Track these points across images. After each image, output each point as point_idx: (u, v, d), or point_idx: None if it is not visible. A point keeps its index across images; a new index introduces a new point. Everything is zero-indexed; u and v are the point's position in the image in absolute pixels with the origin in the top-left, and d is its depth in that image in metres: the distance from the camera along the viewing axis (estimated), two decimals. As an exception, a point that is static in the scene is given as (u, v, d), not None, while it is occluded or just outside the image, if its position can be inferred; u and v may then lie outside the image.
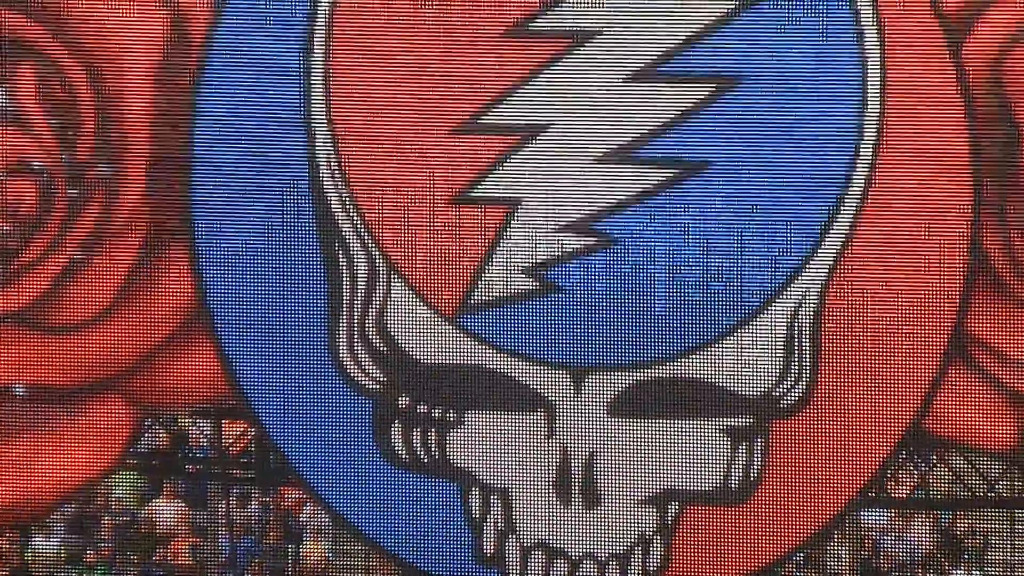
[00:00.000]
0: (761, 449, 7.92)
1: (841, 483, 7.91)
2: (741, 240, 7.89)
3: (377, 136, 7.98)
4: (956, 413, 7.84)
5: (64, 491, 8.18)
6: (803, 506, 7.94)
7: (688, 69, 7.82)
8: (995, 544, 7.92)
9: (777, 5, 7.84)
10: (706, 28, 7.84)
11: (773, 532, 7.98)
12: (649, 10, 7.85)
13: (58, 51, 8.01)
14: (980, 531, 7.91)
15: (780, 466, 7.95)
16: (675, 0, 7.89)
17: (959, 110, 7.74)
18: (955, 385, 7.81)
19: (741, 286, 7.93)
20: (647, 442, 7.96)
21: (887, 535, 7.96)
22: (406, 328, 7.96)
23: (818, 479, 7.94)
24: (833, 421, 7.91)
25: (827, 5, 7.81)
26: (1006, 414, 7.81)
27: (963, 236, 7.75)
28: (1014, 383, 7.75)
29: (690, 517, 7.95)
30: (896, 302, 7.85)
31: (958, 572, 7.82)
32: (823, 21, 7.81)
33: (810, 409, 7.89)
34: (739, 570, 7.99)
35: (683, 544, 7.96)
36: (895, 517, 8.01)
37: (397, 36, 7.98)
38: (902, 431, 7.83)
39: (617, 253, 7.93)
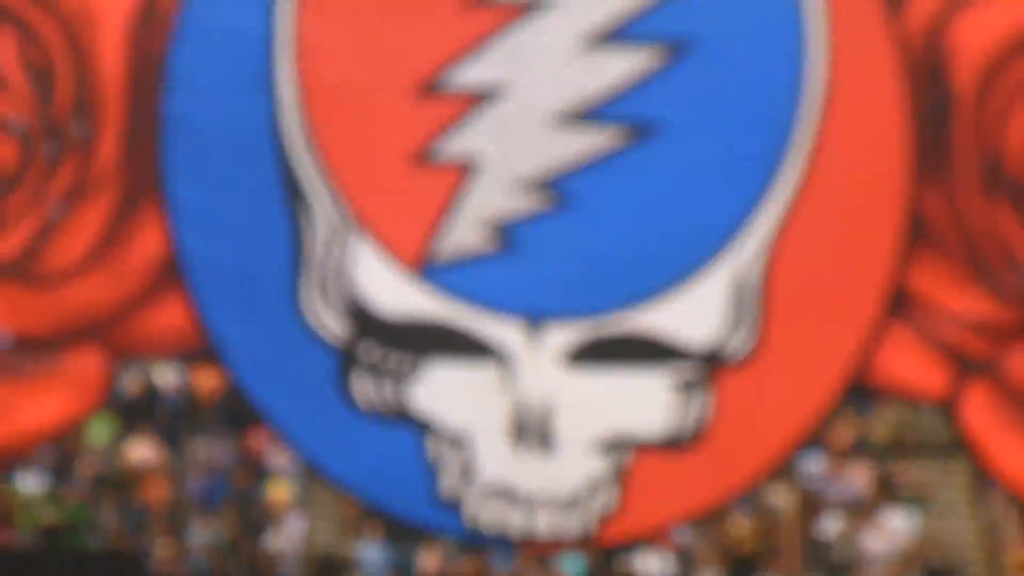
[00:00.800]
0: (709, 399, 7.98)
1: (785, 431, 7.98)
2: (691, 199, 7.92)
3: (340, 96, 8.01)
4: (895, 364, 7.92)
5: (45, 433, 8.26)
6: (749, 453, 8.01)
7: (640, 36, 7.86)
8: (933, 491, 8.14)
9: (728, 17, 7.88)
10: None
11: (720, 477, 8.03)
12: None
13: (38, 17, 8.03)
14: (916, 476, 8.08)
15: (727, 415, 8.00)
16: None
17: (896, 78, 7.82)
18: (893, 339, 7.88)
19: (691, 244, 7.96)
20: (601, 391, 8.01)
21: (825, 480, 8.10)
22: (369, 283, 8.01)
23: (763, 427, 8.00)
24: (778, 373, 7.96)
25: None
26: (940, 366, 7.88)
27: (900, 196, 7.82)
28: (947, 336, 7.84)
29: (641, 463, 8.00)
30: (838, 261, 7.92)
31: (894, 515, 7.97)
32: (770, 14, 7.86)
33: (756, 362, 7.95)
34: (688, 513, 8.07)
35: (635, 488, 8.01)
36: (832, 463, 8.16)
37: (361, 2, 8.03)
38: (843, 382, 7.91)
39: (570, 209, 7.96)
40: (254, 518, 8.37)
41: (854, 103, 7.97)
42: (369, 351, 8.23)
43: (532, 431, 8.16)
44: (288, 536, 8.36)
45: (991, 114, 7.92)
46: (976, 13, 7.88)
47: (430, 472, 8.20)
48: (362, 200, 8.16)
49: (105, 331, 8.31)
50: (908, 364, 8.05)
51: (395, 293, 8.17)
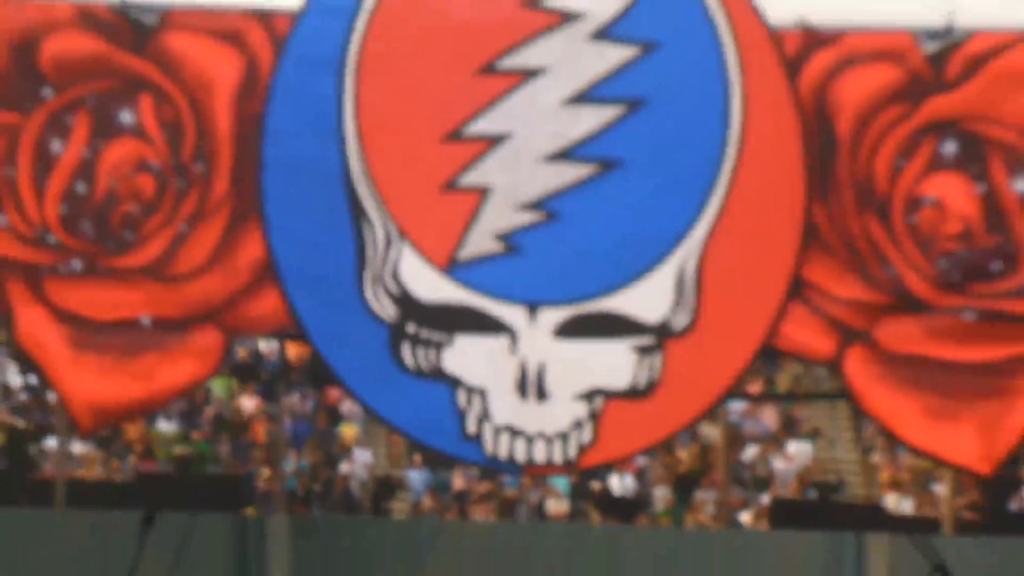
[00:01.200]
0: (660, 361, 8.07)
1: (715, 383, 8.09)
2: (645, 215, 8.02)
3: (390, 142, 8.12)
4: (795, 334, 8.02)
5: (177, 390, 8.36)
6: (689, 399, 8.09)
7: (606, 96, 7.99)
8: (823, 427, 8.30)
9: (671, 53, 7.96)
10: (619, 64, 7.98)
11: (669, 418, 8.11)
12: (579, 54, 7.96)
13: (169, 86, 8.18)
14: (811, 416, 8.27)
15: (673, 372, 8.07)
16: (594, 44, 7.97)
17: (796, 123, 7.94)
18: (793, 315, 8.00)
19: (649, 244, 8.06)
20: (581, 356, 8.12)
21: (745, 419, 8.25)
22: (412, 277, 8.13)
23: (700, 381, 8.10)
24: (710, 340, 8.06)
25: (704, 55, 7.96)
26: (829, 335, 8.00)
27: (798, 211, 7.95)
28: (833, 313, 7.98)
29: (611, 408, 8.12)
30: (753, 258, 8.02)
31: (794, 444, 8.11)
32: (702, 65, 7.97)
33: (694, 332, 8.05)
34: (645, 444, 8.21)
35: (606, 426, 8.13)
36: (749, 407, 8.24)
37: (406, 67, 8.10)
38: (757, 346, 8.03)
39: (559, 223, 8.08)
40: (331, 451, 8.51)
41: (764, 142, 8.03)
42: (412, 328, 8.29)
43: (531, 385, 8.25)
44: (355, 464, 8.49)
45: (863, 151, 8.00)
46: (851, 76, 7.95)
47: (458, 416, 8.28)
48: (405, 218, 8.23)
49: (220, 315, 8.38)
50: (804, 333, 8.10)
51: (430, 286, 8.24)
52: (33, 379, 8.48)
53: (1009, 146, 7.85)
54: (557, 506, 8.24)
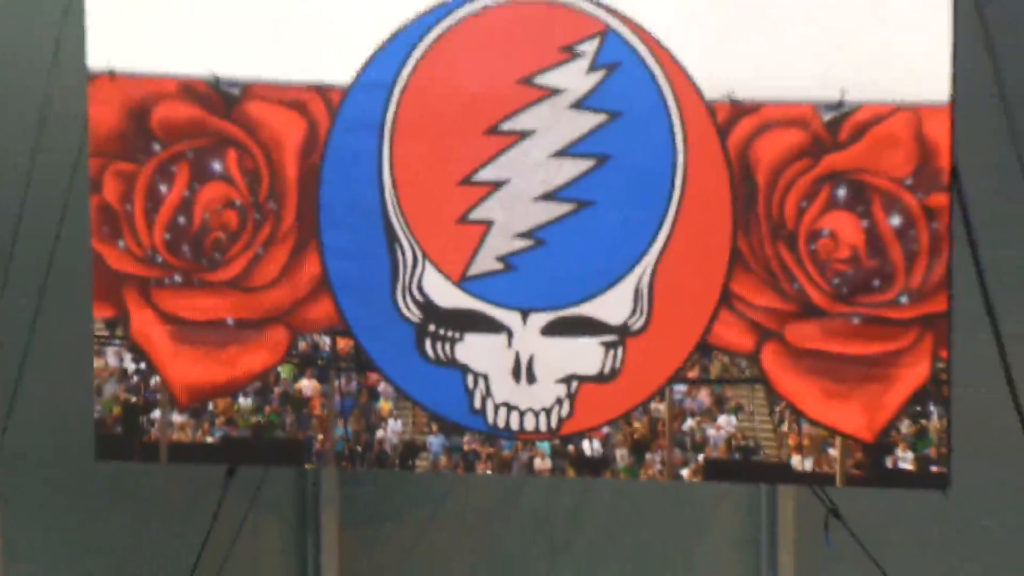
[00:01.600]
0: (621, 353, 8.10)
1: (663, 371, 8.12)
2: (611, 242, 8.05)
3: (416, 184, 8.17)
4: (724, 333, 8.04)
5: (254, 374, 8.42)
6: (643, 384, 8.13)
7: (581, 150, 8.04)
8: (745, 404, 8.14)
9: (630, 119, 8.01)
10: (592, 127, 8.02)
11: (628, 398, 8.15)
12: (560, 120, 8.03)
13: (248, 142, 8.26)
14: (735, 396, 8.13)
15: (631, 362, 8.09)
16: (572, 112, 8.01)
17: (725, 173, 7.97)
18: (723, 319, 8.03)
19: (614, 264, 8.09)
20: (562, 349, 8.16)
21: (685, 398, 8.15)
22: (432, 289, 8.19)
23: (651, 369, 8.12)
24: (659, 338, 8.07)
25: (656, 121, 8.00)
26: (750, 335, 8.03)
27: (727, 240, 8.00)
28: (755, 318, 8.01)
29: (584, 390, 8.16)
30: (693, 276, 8.04)
31: (723, 417, 8.07)
32: (654, 129, 8.00)
33: (647, 332, 8.07)
34: (608, 416, 8.19)
35: (580, 404, 8.17)
36: (689, 389, 8.12)
37: (430, 129, 8.16)
38: (695, 342, 8.06)
39: (546, 248, 8.12)
40: (370, 421, 8.39)
41: (702, 188, 8.04)
42: (432, 327, 8.30)
43: (523, 372, 8.26)
44: (388, 431, 8.39)
45: (776, 195, 7.99)
46: (768, 138, 7.94)
47: (467, 395, 8.30)
48: (428, 243, 8.23)
49: (287, 317, 8.40)
50: (731, 333, 8.09)
51: (446, 295, 8.25)
52: (142, 365, 8.35)
53: (886, 191, 7.84)
54: (542, 464, 8.15)
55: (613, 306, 8.12)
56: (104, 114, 8.33)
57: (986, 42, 8.28)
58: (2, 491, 10.02)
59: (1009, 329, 8.21)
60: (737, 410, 8.14)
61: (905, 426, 7.99)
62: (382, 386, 8.37)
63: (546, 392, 8.20)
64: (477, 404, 8.25)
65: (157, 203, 8.37)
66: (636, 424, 8.17)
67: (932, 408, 7.94)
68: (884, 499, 8.76)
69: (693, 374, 8.12)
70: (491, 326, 8.19)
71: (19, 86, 9.81)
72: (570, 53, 8.01)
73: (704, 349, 8.09)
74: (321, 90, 8.19)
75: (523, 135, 8.06)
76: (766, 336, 8.02)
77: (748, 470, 8.17)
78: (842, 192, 7.90)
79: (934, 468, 7.96)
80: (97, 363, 8.49)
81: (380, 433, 8.39)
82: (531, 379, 8.20)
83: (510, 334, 8.18)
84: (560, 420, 8.20)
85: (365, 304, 8.28)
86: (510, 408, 8.23)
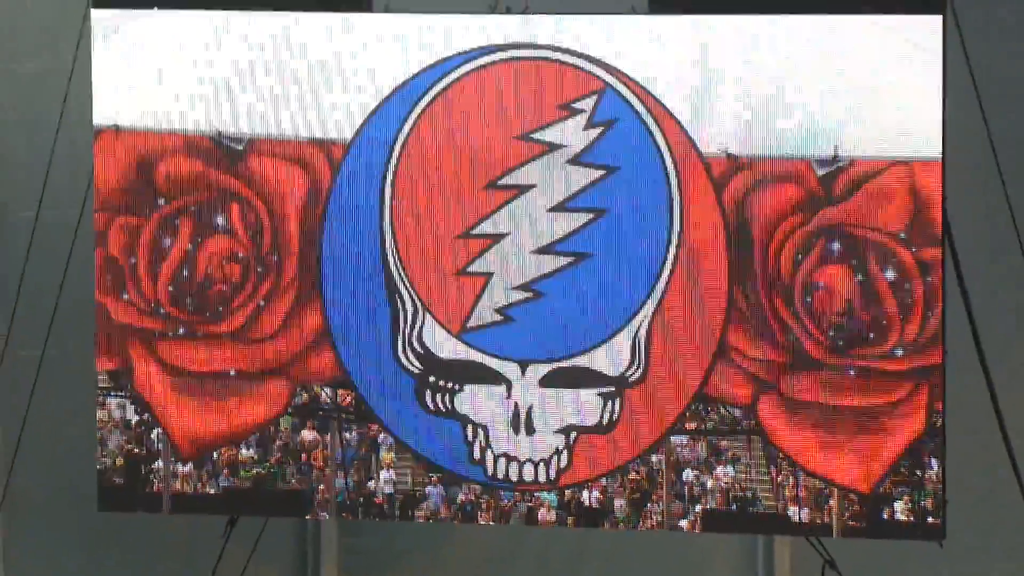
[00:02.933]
0: (619, 404, 8.12)
1: (661, 422, 8.13)
2: (608, 294, 8.10)
3: (416, 239, 8.22)
4: (721, 385, 8.06)
5: (255, 425, 8.43)
6: (641, 435, 8.14)
7: (578, 205, 8.09)
8: (742, 455, 8.16)
9: (627, 174, 8.05)
10: (589, 182, 8.07)
11: (625, 449, 8.15)
12: (558, 175, 8.06)
13: (250, 195, 8.31)
14: (732, 447, 8.15)
15: (629, 414, 8.13)
16: (570, 167, 8.06)
17: (722, 227, 8.00)
18: (720, 370, 8.05)
19: (611, 316, 8.13)
20: (559, 401, 8.20)
21: (683, 449, 8.16)
22: (432, 341, 8.22)
23: (650, 421, 8.14)
24: (658, 390, 8.11)
25: (653, 176, 8.05)
26: (746, 387, 8.06)
27: (724, 293, 8.03)
28: (751, 370, 8.03)
29: (582, 441, 8.19)
30: (690, 328, 8.07)
31: (720, 468, 8.07)
32: (651, 183, 8.06)
33: (645, 383, 8.10)
34: (607, 467, 8.19)
35: (579, 455, 8.20)
36: (688, 441, 8.15)
37: (430, 184, 8.20)
38: (693, 394, 8.09)
39: (544, 300, 8.16)
40: (370, 472, 8.39)
41: (698, 241, 8.09)
42: (432, 378, 8.33)
43: (522, 423, 8.29)
44: (389, 481, 8.41)
45: (772, 249, 8.03)
46: (763, 193, 7.99)
47: (467, 446, 8.32)
48: (428, 295, 8.27)
49: (288, 369, 8.43)
50: (728, 385, 8.12)
51: (446, 347, 8.30)
52: (146, 416, 8.36)
53: (880, 244, 7.90)
54: (547, 515, 8.17)
55: (611, 358, 8.16)
56: (109, 169, 8.40)
57: (978, 98, 8.41)
58: (6, 537, 10.08)
59: (1000, 380, 8.29)
60: (734, 461, 8.14)
61: (901, 477, 8.01)
62: (383, 437, 8.39)
63: (545, 443, 8.24)
64: (477, 455, 8.27)
65: (161, 256, 8.43)
66: (634, 475, 8.19)
67: (928, 459, 7.97)
68: (880, 550, 8.76)
69: (691, 425, 8.15)
70: (490, 377, 8.23)
71: (26, 141, 9.93)
72: (568, 110, 8.09)
73: (701, 400, 8.13)
74: (323, 145, 8.27)
75: (522, 190, 8.13)
76: (762, 388, 8.06)
77: (745, 521, 8.17)
78: (837, 246, 7.95)
79: (930, 519, 7.98)
80: (100, 414, 8.52)
81: (381, 483, 8.39)
82: (530, 430, 8.23)
83: (509, 385, 8.22)
84: (559, 471, 8.23)
85: (366, 356, 8.32)
86: (509, 459, 8.26)
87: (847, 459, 8.01)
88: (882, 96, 7.87)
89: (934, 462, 7.95)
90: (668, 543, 9.68)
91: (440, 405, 8.25)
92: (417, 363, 8.24)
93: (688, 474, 8.15)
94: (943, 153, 7.84)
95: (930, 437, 7.93)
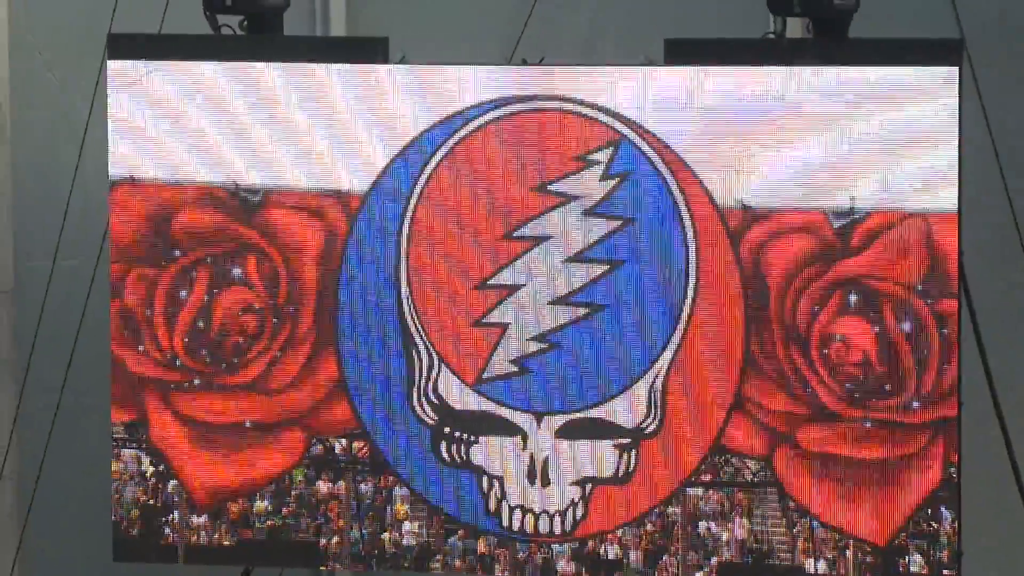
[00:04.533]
0: (636, 456, 8.11)
1: (677, 474, 8.11)
2: (626, 342, 8.09)
3: (432, 292, 8.24)
4: (737, 437, 8.05)
5: (269, 477, 8.44)
6: (657, 486, 8.13)
7: (594, 256, 8.09)
8: (757, 507, 8.14)
9: (643, 226, 8.03)
10: (605, 233, 8.06)
11: (642, 501, 8.14)
12: (575, 226, 8.07)
13: (266, 246, 8.34)
14: (748, 499, 8.12)
15: (646, 465, 8.11)
16: (586, 219, 8.06)
17: (738, 278, 8.00)
18: (736, 422, 8.04)
19: (627, 368, 8.12)
20: (575, 451, 8.19)
21: (701, 501, 8.15)
22: (448, 392, 8.24)
23: (667, 471, 8.12)
24: (674, 441, 8.09)
25: (669, 227, 8.04)
26: (763, 438, 8.03)
27: (740, 344, 8.00)
28: (767, 422, 8.02)
29: (598, 492, 8.17)
30: (706, 379, 8.06)
31: (737, 520, 8.06)
32: (667, 235, 8.05)
33: (661, 435, 8.09)
34: (623, 518, 8.16)
35: (594, 506, 8.18)
36: (705, 494, 8.15)
37: (446, 235, 8.22)
38: (709, 445, 8.06)
39: (560, 351, 8.16)
40: (385, 523, 8.39)
41: (714, 292, 8.08)
42: (448, 430, 8.34)
43: (538, 474, 8.27)
44: (404, 533, 8.39)
45: (788, 300, 8.01)
46: (780, 244, 7.97)
47: (483, 497, 8.32)
48: (443, 347, 8.29)
49: (304, 420, 8.44)
50: (744, 436, 8.11)
51: (462, 398, 8.31)
52: (161, 468, 8.38)
53: (897, 297, 7.88)
54: (566, 567, 8.14)
55: (627, 409, 8.15)
56: (126, 220, 8.42)
57: (995, 151, 8.46)
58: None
59: (1017, 431, 8.25)
60: (750, 513, 8.12)
61: (917, 529, 7.97)
62: (397, 488, 8.37)
63: (561, 494, 8.21)
64: (492, 506, 8.26)
65: (177, 308, 8.44)
66: (650, 527, 8.17)
67: (944, 511, 7.92)
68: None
69: (707, 477, 8.13)
70: (506, 429, 8.22)
71: (43, 192, 9.97)
72: (584, 161, 8.11)
73: (718, 452, 8.11)
74: (340, 197, 8.28)
75: (538, 240, 8.13)
76: (779, 439, 8.04)
77: (761, 573, 8.13)
78: (853, 298, 7.93)
79: (946, 572, 7.94)
80: (116, 466, 8.51)
81: (395, 535, 8.37)
82: (546, 482, 8.21)
83: (525, 437, 8.20)
84: (575, 522, 8.20)
85: (381, 407, 8.32)
86: (525, 511, 8.24)
87: (863, 511, 7.98)
88: (898, 148, 7.86)
89: (949, 514, 7.90)
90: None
91: (455, 456, 8.24)
92: (432, 414, 8.24)
93: (704, 526, 8.12)
94: (959, 206, 7.82)
95: (946, 489, 7.89)
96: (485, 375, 8.26)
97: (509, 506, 8.26)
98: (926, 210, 7.90)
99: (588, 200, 8.14)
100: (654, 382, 8.14)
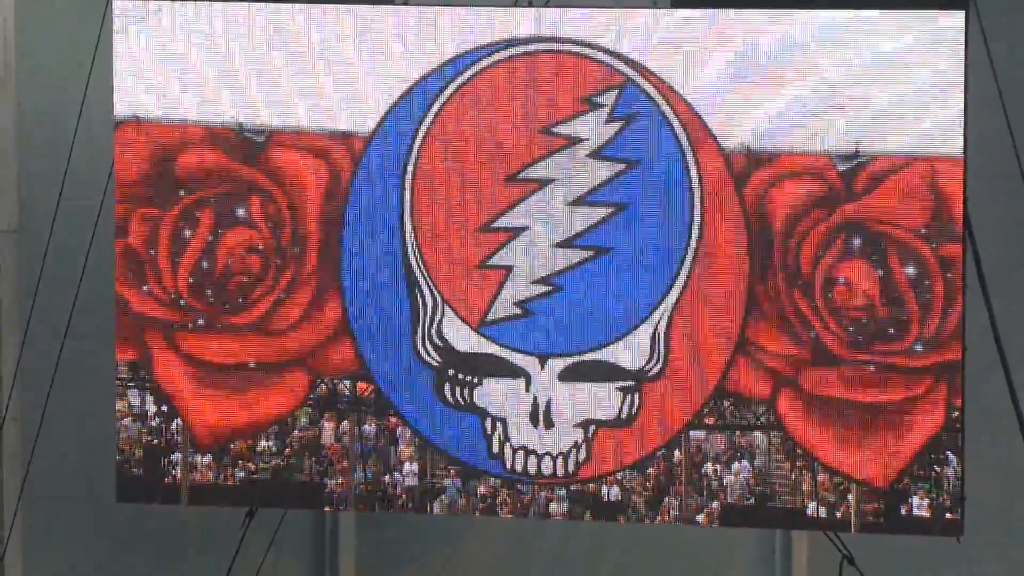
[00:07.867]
0: (638, 399, 8.16)
1: (681, 416, 8.17)
2: (628, 288, 8.14)
3: (435, 235, 8.26)
4: (740, 379, 8.10)
5: (274, 417, 8.47)
6: (660, 429, 8.19)
7: (599, 199, 8.13)
8: (758, 450, 8.18)
9: (648, 168, 8.08)
10: (610, 176, 8.09)
11: (645, 443, 8.19)
12: (579, 169, 8.11)
13: (273, 188, 8.35)
14: (751, 442, 8.17)
15: (648, 408, 8.16)
16: (591, 161, 8.10)
17: (742, 221, 8.05)
18: (740, 365, 8.10)
19: (631, 311, 8.17)
20: (578, 394, 8.23)
21: (704, 443, 8.20)
22: (451, 334, 8.27)
23: (669, 415, 8.18)
24: (676, 384, 8.15)
25: (673, 170, 8.09)
26: (766, 381, 8.08)
27: (743, 287, 8.06)
28: (771, 364, 8.07)
29: (601, 434, 8.22)
30: (710, 323, 8.11)
31: (737, 463, 8.11)
32: (672, 178, 8.11)
33: (665, 378, 8.15)
34: (624, 461, 8.22)
35: (597, 448, 8.22)
36: (706, 435, 8.18)
37: (450, 178, 8.26)
38: (712, 389, 8.13)
39: (564, 294, 8.19)
40: (389, 465, 8.43)
41: (718, 235, 8.12)
42: (451, 372, 8.37)
43: (540, 416, 8.32)
44: (407, 474, 8.44)
45: (792, 244, 8.06)
46: (784, 187, 8.02)
47: (486, 439, 8.36)
48: (447, 289, 8.31)
49: (308, 361, 8.47)
50: (747, 379, 8.16)
51: (466, 340, 8.34)
52: (164, 408, 8.41)
53: (901, 241, 7.93)
54: (564, 509, 8.19)
55: (630, 352, 8.20)
56: (130, 161, 8.44)
57: (1000, 95, 8.43)
58: (26, 529, 10.13)
59: (1021, 376, 8.33)
60: (753, 456, 8.18)
61: (919, 473, 8.04)
62: (401, 430, 8.43)
63: (563, 437, 8.27)
64: (495, 448, 8.32)
65: (181, 248, 8.46)
66: (652, 469, 8.23)
67: (947, 455, 8.00)
68: (898, 545, 8.77)
69: (710, 420, 8.18)
70: (509, 371, 8.27)
71: (48, 132, 10.02)
72: (589, 104, 8.13)
73: (720, 395, 8.16)
74: (344, 138, 8.32)
75: (543, 183, 8.17)
76: (782, 383, 8.09)
77: (763, 516, 8.19)
78: (857, 241, 7.99)
79: (948, 515, 8.01)
80: (119, 405, 8.56)
81: (398, 476, 8.42)
82: (549, 424, 8.27)
83: (528, 379, 8.25)
84: (577, 464, 8.26)
85: (385, 348, 8.36)
86: (528, 452, 8.30)
87: (866, 454, 8.04)
88: (904, 92, 7.90)
89: (953, 458, 7.97)
90: (686, 538, 9.76)
91: (459, 398, 8.29)
92: (436, 356, 8.28)
93: (707, 468, 8.17)
94: (964, 150, 7.87)
95: (949, 433, 7.96)
96: (489, 317, 8.29)
97: (512, 448, 8.31)
98: (931, 154, 7.94)
99: (593, 142, 8.17)
100: (657, 325, 8.18)
